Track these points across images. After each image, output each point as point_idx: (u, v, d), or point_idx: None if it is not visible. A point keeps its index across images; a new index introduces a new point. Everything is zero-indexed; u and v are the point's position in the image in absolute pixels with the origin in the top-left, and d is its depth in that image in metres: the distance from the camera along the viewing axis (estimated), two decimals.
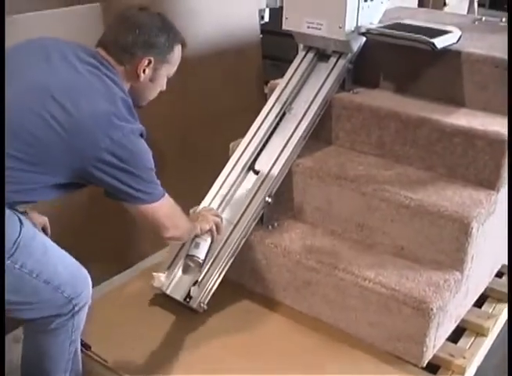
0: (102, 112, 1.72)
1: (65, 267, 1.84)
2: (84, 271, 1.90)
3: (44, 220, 2.12)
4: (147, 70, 1.90)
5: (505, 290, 2.70)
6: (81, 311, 1.89)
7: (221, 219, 2.42)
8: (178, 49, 1.98)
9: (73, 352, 1.96)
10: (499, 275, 2.79)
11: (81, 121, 1.68)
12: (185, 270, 2.44)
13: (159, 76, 1.95)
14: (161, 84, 2.00)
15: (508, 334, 2.50)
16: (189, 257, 2.36)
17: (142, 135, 1.82)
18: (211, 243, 2.37)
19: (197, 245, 2.34)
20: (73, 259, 1.88)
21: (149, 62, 1.88)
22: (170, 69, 1.98)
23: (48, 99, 1.68)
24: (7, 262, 1.67)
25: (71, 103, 1.68)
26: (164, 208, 1.94)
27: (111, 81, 1.80)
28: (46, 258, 1.78)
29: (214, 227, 2.35)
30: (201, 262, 2.35)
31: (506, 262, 2.79)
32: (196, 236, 2.33)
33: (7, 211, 1.69)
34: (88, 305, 1.93)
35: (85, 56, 1.82)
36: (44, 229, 2.09)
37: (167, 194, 1.95)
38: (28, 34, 1.89)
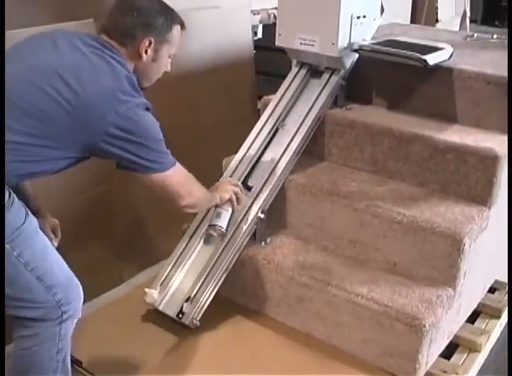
0: (107, 88, 1.77)
1: (60, 271, 1.87)
2: (78, 282, 1.91)
3: (55, 222, 2.16)
4: (149, 51, 1.95)
5: (497, 305, 2.71)
6: (69, 320, 1.89)
7: (241, 189, 2.45)
8: (176, 29, 2.02)
9: (61, 361, 1.95)
10: (491, 290, 2.79)
11: (87, 97, 1.73)
12: (208, 240, 2.48)
13: (160, 56, 2.00)
14: (165, 65, 2.05)
15: (508, 336, 2.50)
16: (212, 227, 2.39)
17: (148, 109, 1.88)
18: (232, 212, 2.40)
19: (219, 215, 2.37)
20: (69, 268, 1.90)
21: (150, 42, 1.94)
22: (171, 49, 2.02)
23: (52, 75, 1.74)
24: (6, 247, 1.69)
25: (76, 81, 1.74)
26: (176, 176, 1.99)
27: (115, 60, 1.86)
28: (44, 256, 1.82)
29: (233, 196, 2.38)
30: (224, 231, 2.38)
31: (499, 278, 2.80)
32: (217, 206, 2.37)
33: (16, 200, 1.74)
34: (77, 319, 1.94)
35: (89, 40, 1.88)
36: (54, 232, 2.14)
37: (178, 163, 1.99)
38: None
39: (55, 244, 2.10)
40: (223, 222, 2.36)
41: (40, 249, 1.81)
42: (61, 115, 1.72)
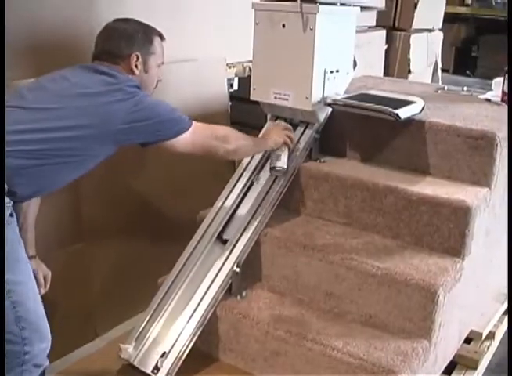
0: (116, 95, 2.01)
1: (35, 308, 1.91)
2: (48, 328, 1.95)
3: (47, 272, 2.27)
4: (139, 65, 2.21)
5: (473, 356, 2.71)
6: (32, 364, 1.90)
7: (290, 129, 2.65)
8: (157, 41, 2.28)
9: None
10: (467, 341, 2.80)
11: (102, 107, 1.98)
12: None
13: (150, 67, 2.25)
14: (156, 74, 2.29)
15: (508, 336, 2.50)
16: (273, 169, 2.58)
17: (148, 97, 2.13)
18: (289, 152, 2.60)
19: (278, 157, 2.56)
20: (44, 312, 1.94)
21: (138, 57, 2.20)
22: (157, 59, 2.28)
23: (68, 96, 1.99)
24: None
25: (89, 97, 1.99)
26: (199, 130, 2.21)
27: (115, 72, 2.12)
28: (25, 285, 1.86)
29: (287, 139, 2.57)
30: (285, 169, 2.57)
31: (474, 328, 2.81)
32: (274, 150, 2.56)
33: (15, 222, 1.86)
34: (44, 367, 1.97)
35: (89, 66, 2.15)
36: (45, 280, 2.23)
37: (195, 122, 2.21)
38: None
39: (42, 291, 2.18)
40: (283, 163, 2.55)
41: (23, 277, 1.86)
42: (85, 127, 1.95)
